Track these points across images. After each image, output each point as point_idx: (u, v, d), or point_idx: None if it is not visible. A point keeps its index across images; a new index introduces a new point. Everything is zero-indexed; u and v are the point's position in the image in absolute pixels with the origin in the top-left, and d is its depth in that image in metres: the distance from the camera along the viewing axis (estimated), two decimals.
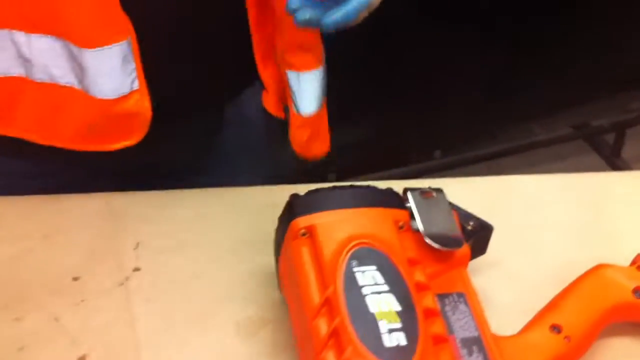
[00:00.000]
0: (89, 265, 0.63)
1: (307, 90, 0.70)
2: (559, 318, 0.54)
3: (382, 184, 0.58)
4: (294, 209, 0.53)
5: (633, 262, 0.61)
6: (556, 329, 0.53)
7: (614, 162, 2.18)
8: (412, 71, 1.71)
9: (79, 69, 0.62)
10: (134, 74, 0.63)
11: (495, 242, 0.63)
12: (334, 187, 0.55)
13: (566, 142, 2.17)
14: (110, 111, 0.64)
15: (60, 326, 0.58)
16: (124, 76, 0.63)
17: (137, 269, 0.63)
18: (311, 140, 0.74)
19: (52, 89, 0.64)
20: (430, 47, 1.67)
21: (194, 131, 0.79)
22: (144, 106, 0.65)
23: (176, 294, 0.61)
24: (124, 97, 0.64)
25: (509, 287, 0.64)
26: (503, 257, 0.66)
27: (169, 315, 0.59)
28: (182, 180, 0.76)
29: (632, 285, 0.58)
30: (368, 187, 0.56)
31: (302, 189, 0.56)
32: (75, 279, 0.62)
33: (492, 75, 1.86)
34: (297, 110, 0.70)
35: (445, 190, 0.60)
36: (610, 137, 2.20)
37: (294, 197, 0.54)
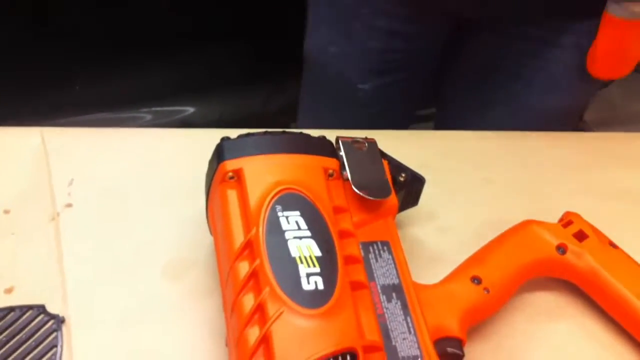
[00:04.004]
0: (20, 199, 0.62)
1: None
2: (480, 270, 0.55)
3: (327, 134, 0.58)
4: (223, 151, 0.53)
5: (561, 219, 0.62)
6: (476, 280, 0.54)
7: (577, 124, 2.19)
8: None
9: None
10: None
11: (431, 196, 0.64)
12: (266, 132, 0.55)
13: None
14: None
15: None
16: None
17: (69, 205, 0.62)
18: None
19: None
20: None
21: None
22: None
23: (106, 233, 0.61)
24: None
25: (440, 239, 0.65)
26: (438, 211, 0.67)
27: (97, 254, 0.59)
28: None
29: (557, 241, 0.59)
30: (300, 133, 0.56)
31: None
32: (6, 212, 0.61)
33: None
34: None
35: (386, 143, 0.60)
36: None
37: (224, 140, 0.54)
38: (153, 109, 1.68)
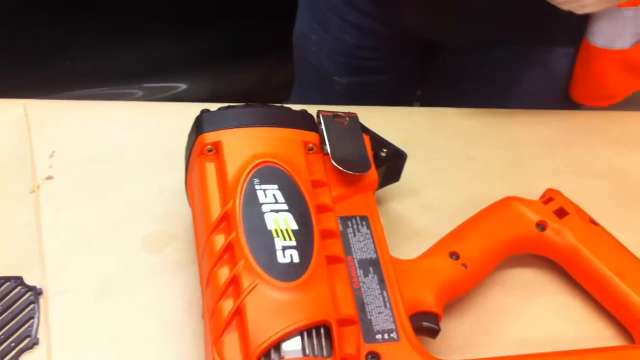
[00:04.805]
0: (1, 170, 0.62)
1: None
2: (458, 245, 0.55)
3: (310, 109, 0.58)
4: (202, 124, 0.53)
5: (542, 196, 0.62)
6: (454, 255, 0.54)
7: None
8: None
9: None
10: None
11: (414, 172, 0.64)
12: (246, 105, 0.55)
13: None
14: None
15: None
16: None
17: (49, 177, 0.62)
18: None
19: None
20: None
21: None
22: None
23: (86, 205, 0.61)
24: None
25: (422, 215, 0.65)
26: (420, 187, 0.67)
27: (77, 226, 0.59)
28: None
29: (537, 218, 0.59)
30: (281, 107, 0.56)
31: None
32: None
33: None
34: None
35: (369, 118, 0.60)
36: None
37: (204, 112, 0.54)
38: (145, 85, 1.67)
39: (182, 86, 1.70)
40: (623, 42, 0.76)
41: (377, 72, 0.95)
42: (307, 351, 0.43)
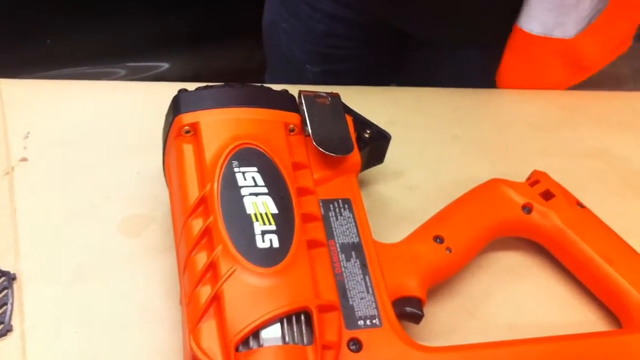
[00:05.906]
0: None
1: None
2: (443, 229, 0.54)
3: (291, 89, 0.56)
4: (179, 104, 0.51)
5: (528, 178, 0.61)
6: (439, 239, 0.53)
7: None
8: None
9: None
10: None
11: (398, 153, 0.63)
12: (225, 85, 0.53)
13: None
14: None
15: None
16: None
17: (24, 159, 0.60)
18: None
19: None
20: None
21: None
22: None
23: (62, 188, 0.59)
24: None
25: (407, 197, 0.64)
26: (404, 169, 0.66)
27: (52, 209, 0.57)
28: None
29: (522, 200, 0.58)
30: (261, 87, 0.55)
31: None
32: None
33: None
34: None
35: (352, 98, 0.58)
36: None
37: (181, 92, 0.52)
38: (128, 64, 1.64)
39: (165, 65, 1.68)
40: (564, 31, 0.74)
41: (348, 60, 0.94)
42: (287, 338, 0.42)
